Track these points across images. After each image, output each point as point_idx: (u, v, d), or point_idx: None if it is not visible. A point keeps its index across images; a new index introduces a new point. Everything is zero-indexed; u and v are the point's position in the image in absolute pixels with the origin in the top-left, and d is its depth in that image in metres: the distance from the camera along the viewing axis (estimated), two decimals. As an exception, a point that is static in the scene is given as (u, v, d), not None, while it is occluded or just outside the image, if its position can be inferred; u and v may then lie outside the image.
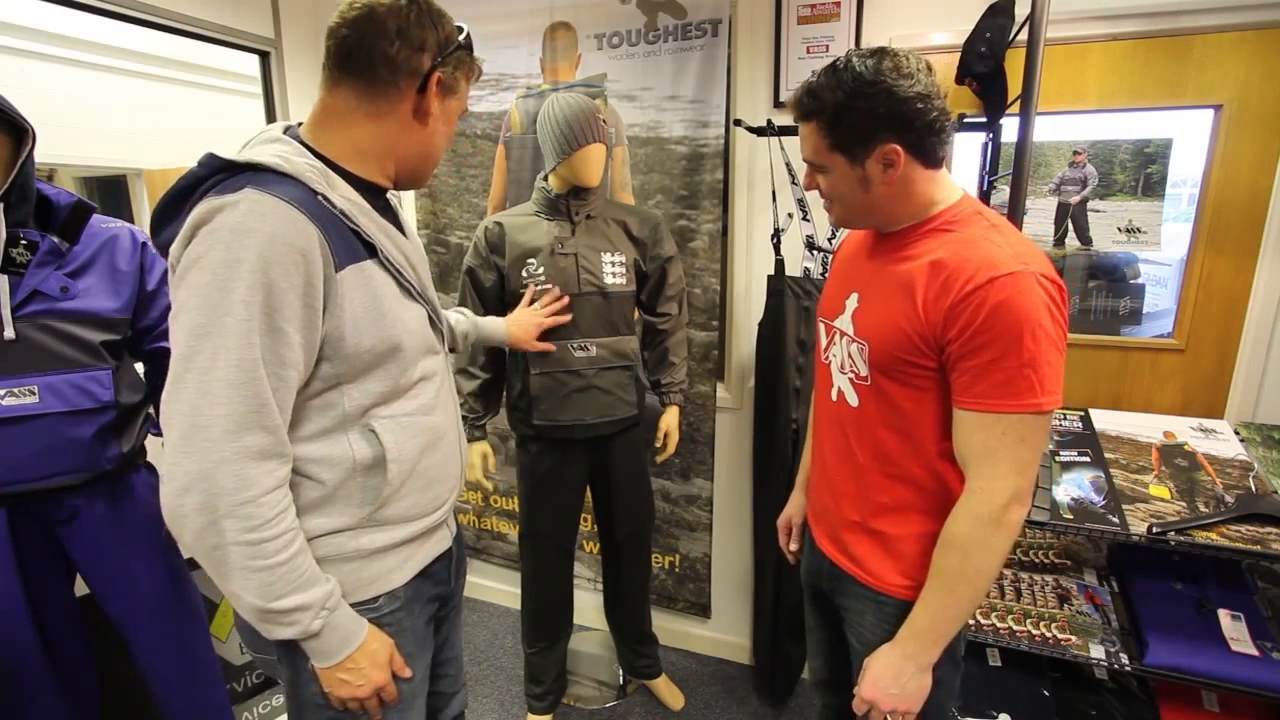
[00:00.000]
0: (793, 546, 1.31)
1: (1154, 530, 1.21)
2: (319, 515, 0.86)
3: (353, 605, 0.90)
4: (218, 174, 0.80)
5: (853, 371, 1.01)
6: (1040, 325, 0.82)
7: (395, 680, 0.93)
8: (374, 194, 0.91)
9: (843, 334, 1.03)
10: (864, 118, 0.88)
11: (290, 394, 0.80)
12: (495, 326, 1.49)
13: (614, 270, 1.67)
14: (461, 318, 1.38)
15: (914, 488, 0.98)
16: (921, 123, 0.88)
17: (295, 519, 0.81)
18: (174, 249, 0.77)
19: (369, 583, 0.91)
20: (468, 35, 0.90)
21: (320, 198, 0.80)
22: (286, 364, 0.77)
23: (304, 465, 0.85)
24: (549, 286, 1.62)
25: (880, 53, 0.88)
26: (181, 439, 0.74)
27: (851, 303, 1.03)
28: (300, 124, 0.90)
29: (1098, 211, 1.69)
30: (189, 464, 0.74)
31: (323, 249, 0.78)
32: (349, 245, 0.82)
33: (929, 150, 0.91)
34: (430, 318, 0.96)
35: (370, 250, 0.86)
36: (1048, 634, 1.41)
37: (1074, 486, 1.40)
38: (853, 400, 1.02)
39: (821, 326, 1.12)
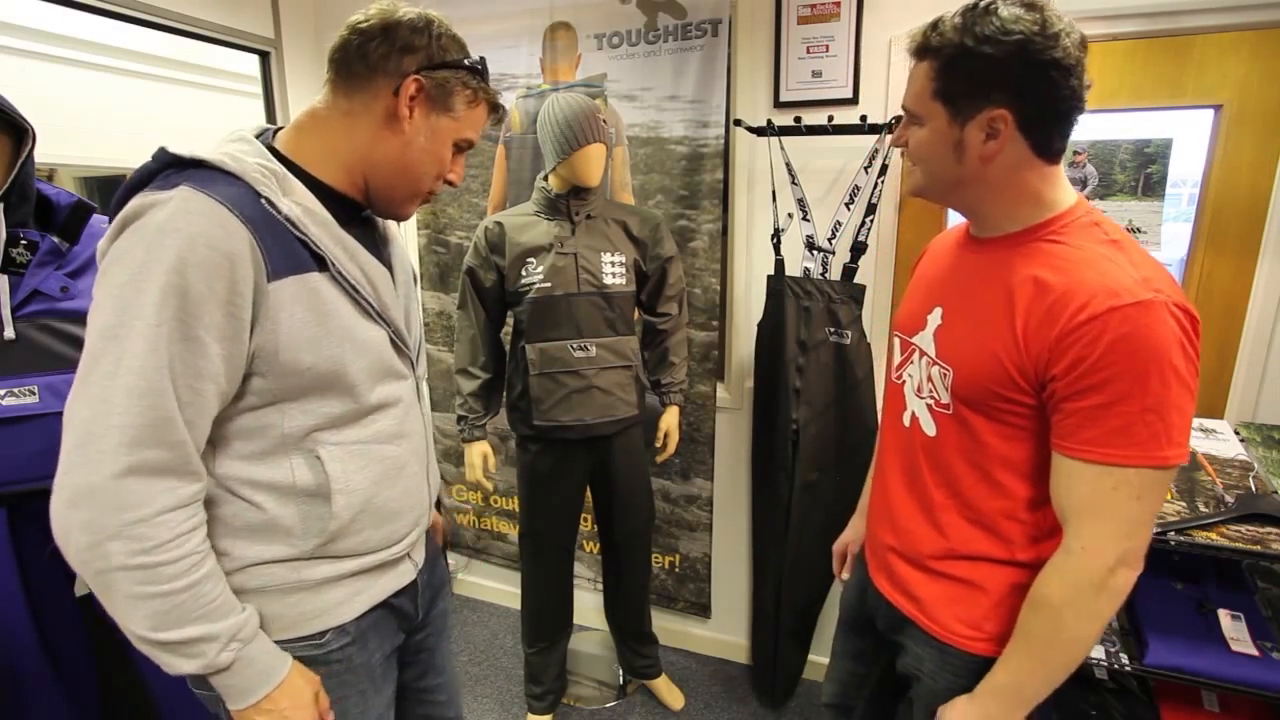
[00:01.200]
0: (845, 575, 1.23)
1: (1154, 530, 1.21)
2: (256, 543, 0.80)
3: (295, 640, 0.83)
4: (167, 169, 0.74)
5: (932, 397, 0.90)
6: (1171, 364, 0.70)
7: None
8: (343, 207, 0.85)
9: (922, 353, 0.92)
10: (983, 68, 0.75)
11: (208, 408, 0.73)
12: None
13: (614, 270, 1.67)
14: None
15: (994, 536, 0.88)
16: (1047, 96, 0.74)
17: (204, 542, 0.74)
18: (102, 243, 0.73)
19: (313, 617, 0.85)
20: (480, 61, 0.87)
21: (264, 201, 0.74)
22: (202, 376, 0.70)
23: (239, 488, 0.79)
24: None
25: (1031, 5, 0.74)
26: (75, 447, 0.68)
27: (934, 319, 0.91)
28: (281, 128, 0.87)
29: (1098, 211, 1.69)
30: (78, 476, 0.67)
31: (254, 255, 0.72)
32: (291, 254, 0.76)
33: (1045, 134, 0.77)
34: (394, 341, 0.89)
35: (321, 263, 0.79)
36: (1048, 634, 1.40)
37: (1074, 486, 1.40)
38: (929, 429, 0.91)
39: (896, 342, 1.01)
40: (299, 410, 0.79)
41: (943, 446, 0.90)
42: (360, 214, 0.90)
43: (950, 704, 0.88)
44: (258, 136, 0.84)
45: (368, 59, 0.80)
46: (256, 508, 0.79)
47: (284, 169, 0.79)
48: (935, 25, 0.79)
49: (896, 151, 1.68)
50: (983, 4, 0.76)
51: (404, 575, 0.96)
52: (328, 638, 0.86)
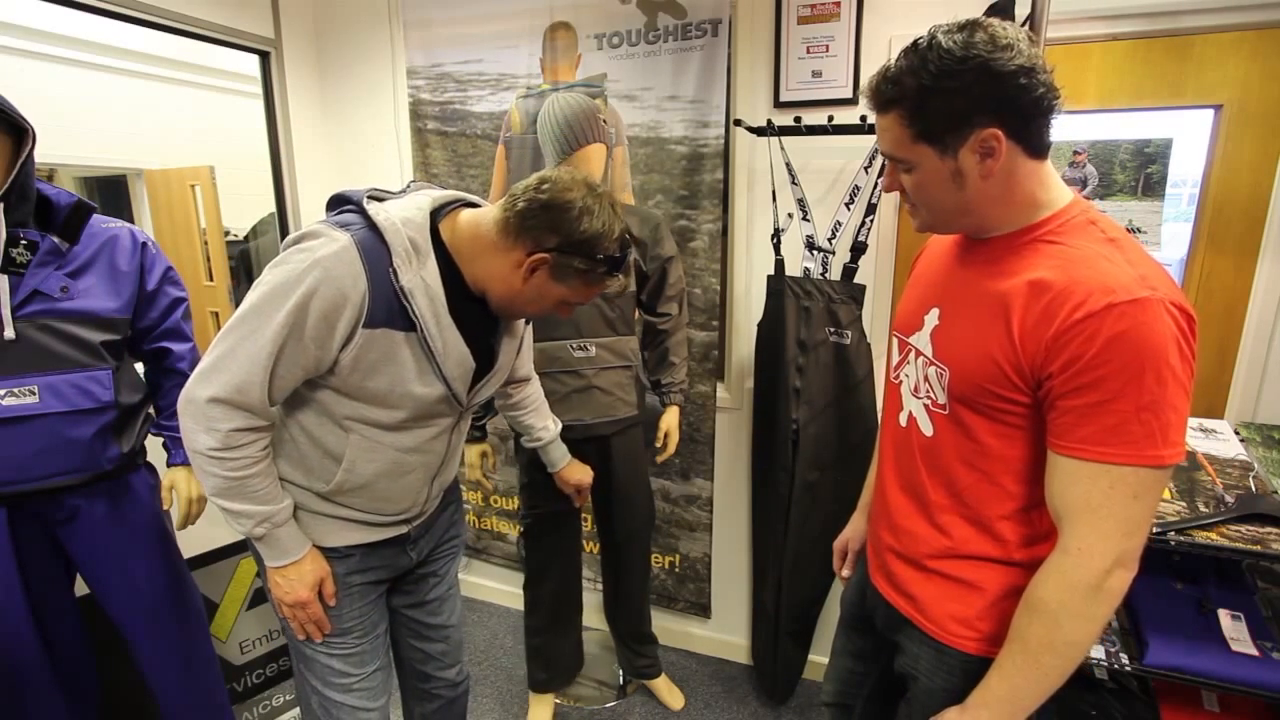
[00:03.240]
0: (845, 572, 1.22)
1: (1154, 530, 1.21)
2: (290, 467, 1.08)
3: None
4: (356, 209, 1.00)
5: (929, 397, 0.90)
6: (1167, 363, 0.69)
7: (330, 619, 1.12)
8: (464, 290, 1.04)
9: (918, 353, 0.93)
10: (956, 100, 0.75)
11: (292, 381, 0.99)
12: (556, 456, 1.55)
13: (614, 270, 1.66)
14: (551, 427, 1.51)
15: (991, 536, 0.87)
16: (1026, 100, 0.75)
17: (261, 453, 1.01)
18: (287, 240, 0.99)
19: (307, 531, 1.10)
20: (610, 257, 1.01)
21: (390, 271, 0.96)
22: (297, 364, 0.96)
23: (293, 428, 1.07)
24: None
25: (971, 25, 0.76)
26: (205, 368, 0.96)
27: (931, 319, 0.91)
28: (466, 205, 1.07)
29: (1098, 211, 1.69)
30: (195, 387, 0.96)
31: (362, 303, 0.95)
32: (391, 312, 0.97)
33: (1034, 134, 0.78)
34: (448, 398, 1.07)
35: (413, 326, 0.99)
36: (1048, 634, 1.40)
37: (1074, 486, 1.39)
38: (926, 429, 0.91)
39: (894, 341, 1.01)
40: (349, 404, 1.03)
41: (940, 447, 0.90)
42: (476, 301, 1.08)
43: (942, 715, 0.87)
44: (444, 206, 1.05)
45: (524, 225, 0.98)
46: (296, 444, 1.07)
47: (429, 247, 0.99)
48: (885, 76, 0.80)
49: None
50: (921, 42, 0.77)
51: (387, 532, 1.18)
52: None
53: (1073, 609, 0.76)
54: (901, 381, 0.98)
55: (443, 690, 1.38)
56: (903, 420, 0.97)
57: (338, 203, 1.05)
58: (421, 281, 0.98)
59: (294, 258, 0.95)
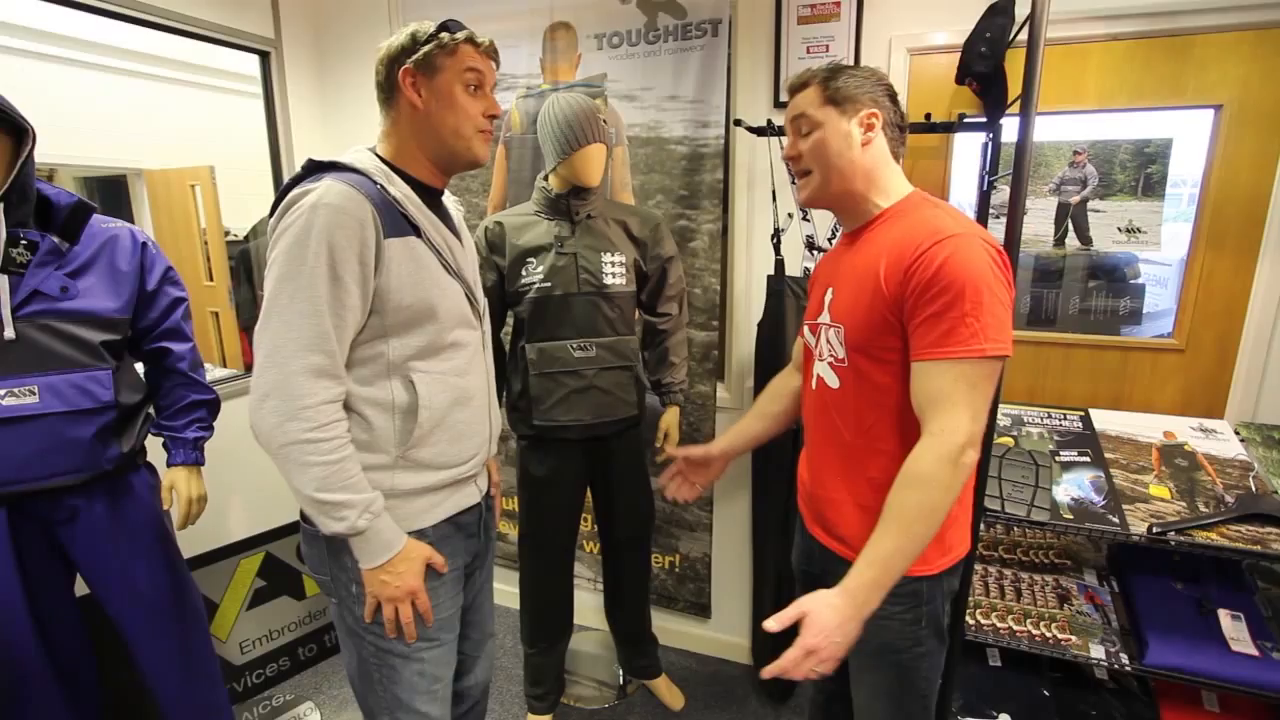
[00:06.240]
0: (680, 493, 1.46)
1: (1154, 530, 1.21)
2: (364, 453, 1.04)
3: None
4: (312, 172, 1.02)
5: (832, 356, 1.10)
6: (983, 279, 0.91)
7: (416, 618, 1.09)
8: (427, 193, 1.11)
9: (826, 327, 1.12)
10: (856, 83, 1.05)
11: (348, 331, 0.99)
12: None
13: (614, 270, 1.67)
14: None
15: (899, 462, 0.98)
16: (894, 111, 1.07)
17: (347, 431, 1.00)
18: (271, 222, 1.00)
19: (399, 520, 1.07)
20: (444, 22, 1.06)
21: (380, 186, 1.01)
22: (345, 306, 0.97)
23: (357, 404, 1.03)
24: None
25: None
26: (266, 356, 0.95)
27: (828, 297, 1.12)
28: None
29: (1098, 211, 1.69)
30: (270, 375, 0.94)
31: (375, 221, 0.98)
32: (398, 223, 1.02)
33: (895, 136, 1.08)
34: (467, 296, 1.14)
35: (417, 231, 1.05)
36: (1048, 634, 1.41)
37: (1074, 486, 1.40)
38: (833, 383, 1.10)
39: (807, 330, 1.19)
40: (399, 342, 1.04)
41: (846, 395, 1.08)
42: (439, 199, 1.16)
43: (814, 599, 0.92)
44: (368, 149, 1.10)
45: (384, 89, 1.07)
46: (365, 421, 1.04)
47: (390, 169, 1.06)
48: (805, 72, 1.09)
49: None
50: (836, 68, 1.08)
51: (471, 496, 1.19)
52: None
53: (939, 478, 0.91)
54: (817, 356, 1.15)
55: (474, 691, 1.37)
56: (814, 385, 1.15)
57: (286, 188, 1.04)
58: (402, 194, 1.04)
59: (290, 220, 0.95)
